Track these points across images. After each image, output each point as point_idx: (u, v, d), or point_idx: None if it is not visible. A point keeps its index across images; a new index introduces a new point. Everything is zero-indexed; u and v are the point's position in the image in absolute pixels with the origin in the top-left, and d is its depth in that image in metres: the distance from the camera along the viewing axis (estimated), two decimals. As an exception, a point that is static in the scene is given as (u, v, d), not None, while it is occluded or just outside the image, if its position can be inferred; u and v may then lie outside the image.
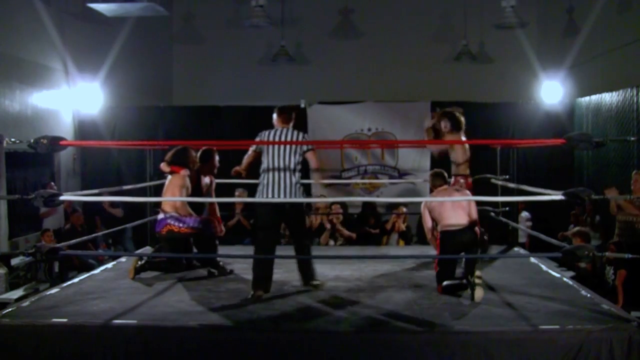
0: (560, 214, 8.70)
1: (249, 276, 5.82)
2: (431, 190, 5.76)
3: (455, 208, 5.23)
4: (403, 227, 8.95)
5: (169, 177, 6.04)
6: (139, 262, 5.80)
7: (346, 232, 8.88)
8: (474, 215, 5.30)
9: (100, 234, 7.30)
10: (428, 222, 5.48)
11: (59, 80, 9.32)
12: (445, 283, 5.08)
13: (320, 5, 12.22)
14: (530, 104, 10.07)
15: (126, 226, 7.47)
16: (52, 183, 8.59)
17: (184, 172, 5.95)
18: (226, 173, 7.22)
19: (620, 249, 6.36)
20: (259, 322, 4.39)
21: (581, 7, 10.13)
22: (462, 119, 6.20)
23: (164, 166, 6.09)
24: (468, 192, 5.61)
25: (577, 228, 7.65)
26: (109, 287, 5.39)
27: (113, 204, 9.08)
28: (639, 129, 7.64)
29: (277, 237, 5.90)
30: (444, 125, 6.19)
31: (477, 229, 5.35)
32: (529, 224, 8.90)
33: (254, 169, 7.16)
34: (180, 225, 5.80)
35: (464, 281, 5.04)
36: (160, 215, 5.90)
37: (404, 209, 9.19)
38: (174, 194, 5.85)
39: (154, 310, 4.66)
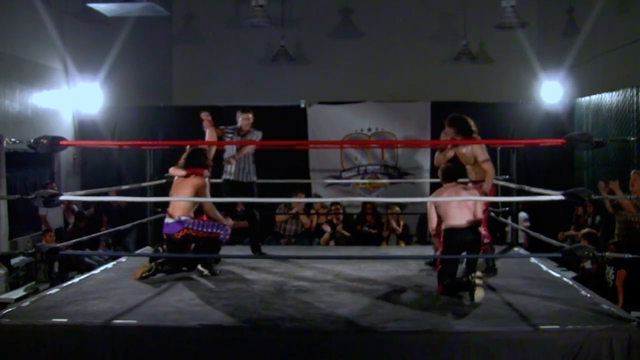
0: (560, 214, 8.70)
1: (250, 275, 5.85)
2: (440, 186, 5.64)
3: (461, 207, 5.20)
4: (399, 229, 8.95)
5: (178, 179, 5.90)
6: (149, 272, 5.73)
7: (345, 234, 8.91)
8: (479, 215, 5.27)
9: (100, 233, 7.30)
10: (433, 220, 5.42)
11: (59, 80, 9.32)
12: (446, 282, 5.08)
13: (320, 5, 12.22)
14: (530, 104, 10.07)
15: (126, 226, 7.45)
16: (53, 183, 8.59)
17: (207, 173, 5.91)
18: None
19: (620, 249, 6.35)
20: (259, 322, 4.40)
21: (581, 7, 10.13)
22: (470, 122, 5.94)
23: (176, 170, 5.94)
24: (476, 191, 5.56)
25: (586, 229, 7.63)
26: (109, 287, 5.38)
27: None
28: (639, 129, 7.64)
29: None
30: (448, 132, 5.98)
31: (481, 229, 5.33)
32: (527, 224, 8.90)
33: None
34: (199, 229, 5.73)
35: (465, 280, 5.04)
36: (170, 220, 5.75)
37: (397, 209, 9.21)
38: (193, 196, 5.70)
39: (154, 310, 4.65)
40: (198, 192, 5.74)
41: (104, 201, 8.72)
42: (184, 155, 5.99)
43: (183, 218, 5.71)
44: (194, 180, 5.78)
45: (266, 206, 9.19)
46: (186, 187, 5.78)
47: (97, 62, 9.82)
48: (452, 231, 5.19)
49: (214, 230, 5.80)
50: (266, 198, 6.30)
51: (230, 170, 6.62)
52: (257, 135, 6.68)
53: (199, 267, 5.85)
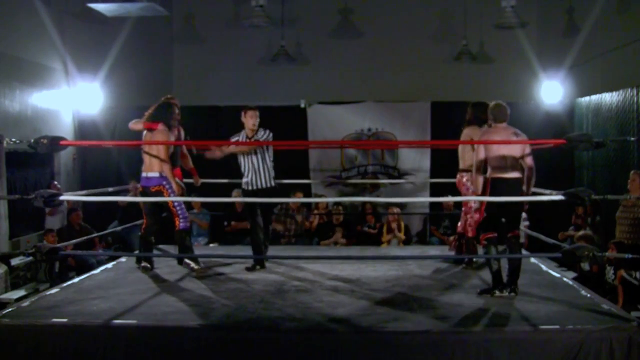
0: (560, 214, 8.69)
1: (250, 275, 5.85)
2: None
3: (510, 158, 4.97)
4: (402, 236, 8.92)
5: (146, 134, 6.03)
6: (142, 264, 5.79)
7: (343, 242, 8.91)
8: (530, 163, 5.00)
9: (101, 233, 7.29)
10: (479, 185, 5.08)
11: (59, 80, 9.32)
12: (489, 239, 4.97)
13: (320, 5, 12.21)
14: (530, 104, 10.06)
15: (126, 225, 7.46)
16: (56, 183, 8.58)
17: (161, 127, 5.96)
18: (225, 173, 7.23)
19: (621, 249, 6.35)
20: (259, 322, 4.40)
21: (581, 7, 10.13)
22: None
23: (135, 124, 6.09)
24: (525, 135, 5.23)
25: (582, 232, 7.63)
26: (109, 287, 5.39)
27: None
28: (639, 129, 7.64)
29: None
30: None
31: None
32: (526, 223, 8.89)
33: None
34: (170, 194, 5.82)
35: (508, 288, 4.94)
36: (152, 174, 5.86)
37: (396, 209, 9.19)
38: (159, 153, 5.83)
39: (154, 310, 4.66)
40: (163, 148, 5.86)
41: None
42: (151, 108, 6.14)
43: (164, 174, 5.85)
44: (156, 139, 5.89)
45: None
46: (154, 148, 5.88)
47: (97, 62, 9.81)
48: (501, 180, 4.93)
49: (178, 211, 5.87)
50: (262, 198, 6.26)
51: (247, 180, 6.22)
52: (268, 135, 6.31)
53: (185, 261, 5.94)
